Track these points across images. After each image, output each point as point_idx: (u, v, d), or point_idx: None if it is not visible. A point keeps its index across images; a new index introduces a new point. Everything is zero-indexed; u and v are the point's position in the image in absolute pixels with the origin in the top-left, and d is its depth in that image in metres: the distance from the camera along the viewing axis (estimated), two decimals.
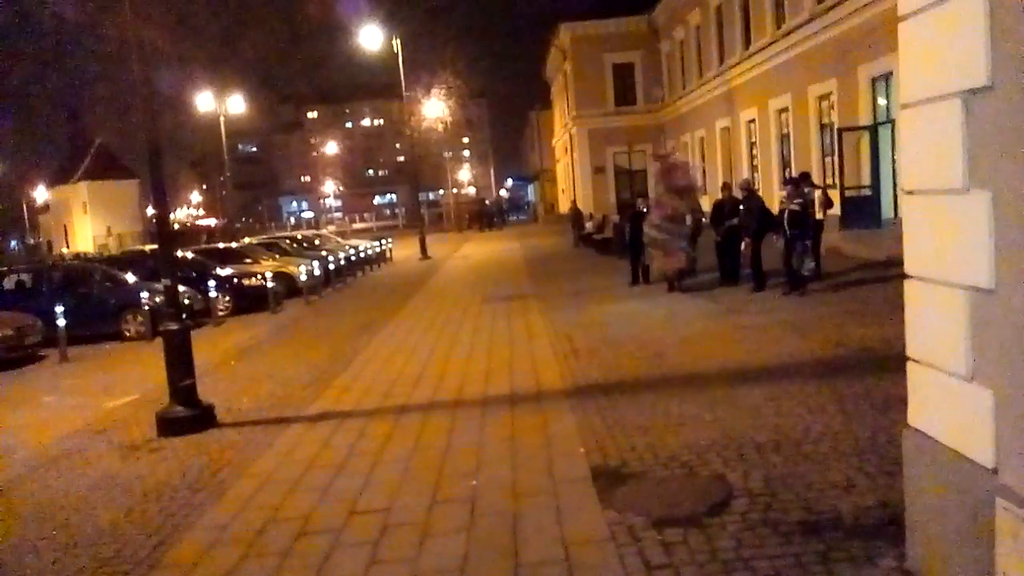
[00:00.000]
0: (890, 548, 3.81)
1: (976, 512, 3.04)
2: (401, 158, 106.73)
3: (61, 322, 13.17)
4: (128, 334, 15.09)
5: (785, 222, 11.48)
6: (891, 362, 6.45)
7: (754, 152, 27.92)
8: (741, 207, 12.98)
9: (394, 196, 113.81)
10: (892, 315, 6.71)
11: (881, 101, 18.80)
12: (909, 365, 3.56)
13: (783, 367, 7.76)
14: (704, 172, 32.44)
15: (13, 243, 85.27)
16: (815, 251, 12.47)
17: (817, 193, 13.02)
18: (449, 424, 6.91)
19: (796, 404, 6.42)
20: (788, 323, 9.82)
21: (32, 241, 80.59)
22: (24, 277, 17.29)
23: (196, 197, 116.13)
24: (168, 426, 7.44)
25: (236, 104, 38.15)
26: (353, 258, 25.04)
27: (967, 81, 2.95)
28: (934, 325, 3.34)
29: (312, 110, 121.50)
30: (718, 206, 14.03)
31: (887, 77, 17.98)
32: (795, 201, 11.53)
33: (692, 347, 9.11)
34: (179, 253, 18.05)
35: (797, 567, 3.80)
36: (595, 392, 7.47)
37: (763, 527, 4.25)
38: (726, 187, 14.97)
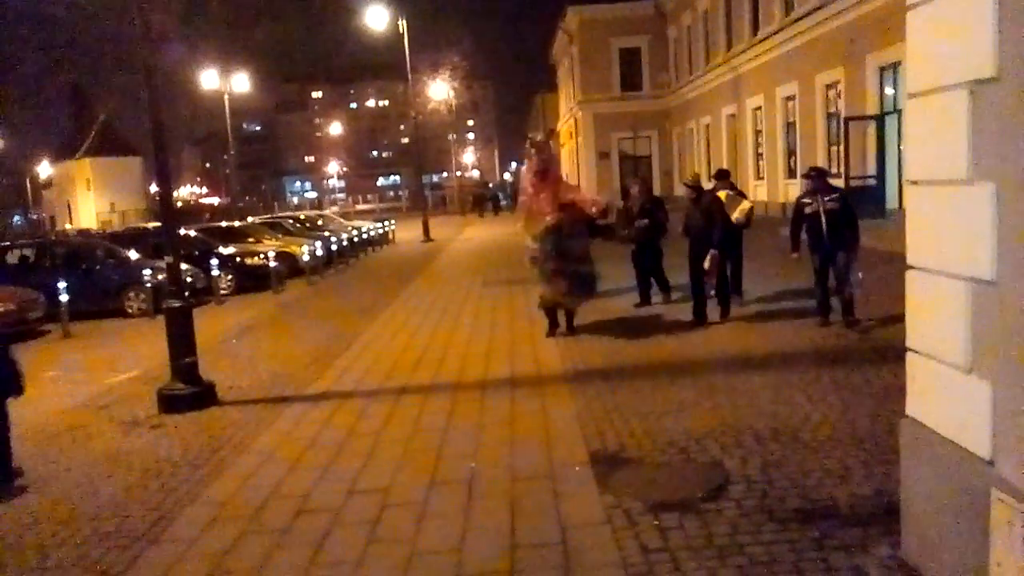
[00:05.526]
0: (885, 537, 3.83)
1: (972, 502, 3.06)
2: (406, 140, 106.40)
3: (64, 298, 13.20)
4: (130, 311, 15.12)
5: (824, 228, 8.47)
6: (891, 352, 6.47)
7: (759, 140, 27.85)
8: (696, 209, 9.59)
9: (398, 178, 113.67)
10: (893, 306, 6.71)
11: (888, 91, 18.74)
12: (908, 356, 3.57)
13: (783, 355, 7.77)
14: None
15: (16, 218, 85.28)
16: (736, 272, 10.30)
17: (724, 194, 10.25)
18: (449, 406, 6.94)
19: (795, 392, 6.44)
20: (789, 311, 9.84)
21: (35, 216, 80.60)
22: (27, 252, 17.30)
23: (199, 176, 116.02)
24: (169, 403, 7.47)
25: (241, 83, 38.01)
26: (356, 239, 25.05)
27: (974, 72, 2.94)
28: (934, 316, 3.35)
29: (317, 90, 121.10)
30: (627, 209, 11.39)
31: (895, 67, 17.90)
32: (830, 199, 8.51)
33: (692, 334, 9.13)
34: (182, 231, 18.04)
35: (792, 554, 3.82)
36: (595, 377, 7.49)
37: (759, 514, 4.28)
38: (642, 182, 11.91)
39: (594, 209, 9.94)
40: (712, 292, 9.69)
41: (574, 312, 9.68)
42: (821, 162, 22.03)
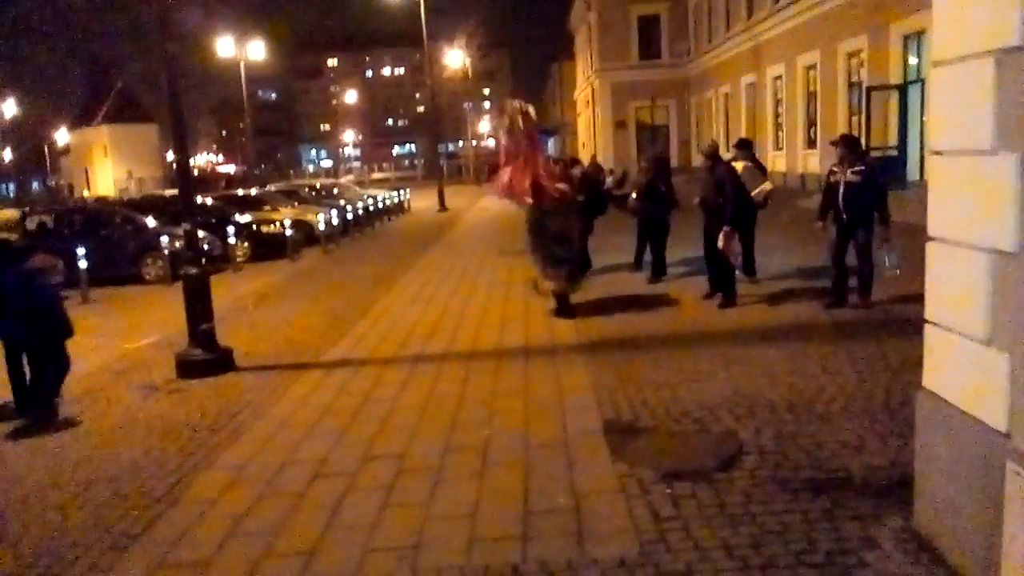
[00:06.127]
0: (898, 508, 3.84)
1: (986, 474, 3.05)
2: (421, 108, 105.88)
3: (83, 264, 13.32)
4: (148, 277, 15.25)
5: (841, 200, 8.06)
6: (908, 325, 6.42)
7: (779, 110, 27.50)
8: (711, 179, 9.08)
9: (413, 147, 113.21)
10: (911, 278, 6.66)
11: (912, 60, 18.40)
12: (927, 327, 3.54)
13: (798, 328, 7.74)
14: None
15: (35, 185, 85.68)
16: (748, 249, 9.83)
17: (741, 166, 9.63)
18: (464, 374, 6.97)
19: (810, 364, 6.42)
20: (806, 286, 9.77)
21: (53, 183, 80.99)
22: (46, 219, 17.43)
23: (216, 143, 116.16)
24: (187, 368, 7.56)
25: (256, 51, 37.87)
26: (371, 208, 25.04)
27: (999, 40, 2.88)
28: (954, 288, 3.31)
29: (332, 58, 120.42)
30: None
31: (920, 35, 17.56)
32: (853, 170, 8.01)
33: (707, 306, 9.09)
34: (199, 199, 18.10)
35: (804, 523, 3.83)
36: (609, 348, 7.50)
37: (772, 483, 4.29)
38: (656, 159, 11.60)
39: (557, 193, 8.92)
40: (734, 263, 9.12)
41: (566, 293, 9.09)
42: (842, 132, 21.78)
